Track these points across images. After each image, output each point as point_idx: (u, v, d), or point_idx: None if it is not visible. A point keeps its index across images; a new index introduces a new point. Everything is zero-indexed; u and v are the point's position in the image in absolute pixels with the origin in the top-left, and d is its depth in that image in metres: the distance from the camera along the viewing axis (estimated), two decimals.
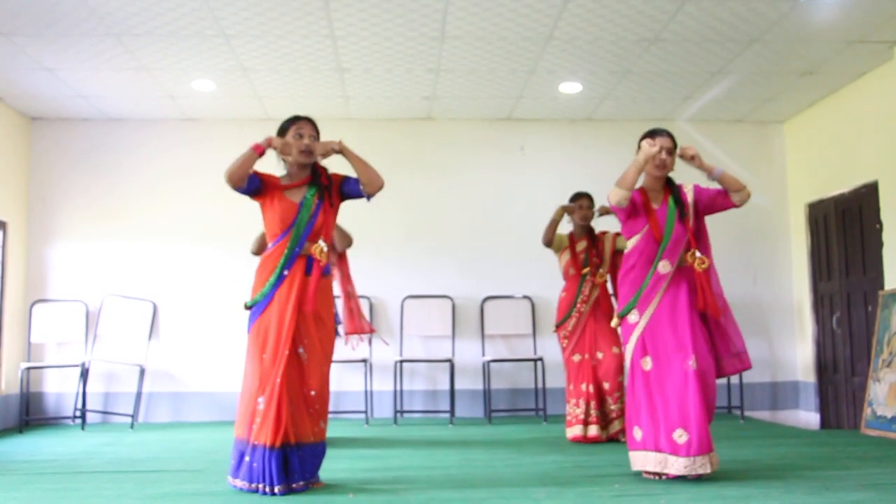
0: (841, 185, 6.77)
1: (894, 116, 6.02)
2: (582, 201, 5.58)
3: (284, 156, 3.80)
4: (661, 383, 3.81)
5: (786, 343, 7.56)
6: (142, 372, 6.95)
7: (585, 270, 5.48)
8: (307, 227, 3.73)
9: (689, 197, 4.01)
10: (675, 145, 3.99)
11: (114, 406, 7.07)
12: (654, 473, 3.84)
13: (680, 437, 3.72)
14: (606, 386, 5.39)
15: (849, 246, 6.73)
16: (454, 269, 7.42)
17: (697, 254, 3.89)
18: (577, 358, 5.46)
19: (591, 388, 5.36)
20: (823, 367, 7.13)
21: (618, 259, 5.53)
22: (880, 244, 6.21)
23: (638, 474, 4.01)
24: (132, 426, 6.70)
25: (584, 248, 5.56)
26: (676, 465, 3.73)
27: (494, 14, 5.23)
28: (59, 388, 7.08)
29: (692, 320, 3.86)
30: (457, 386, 7.13)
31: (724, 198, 3.96)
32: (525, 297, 7.39)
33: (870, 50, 5.86)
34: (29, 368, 6.79)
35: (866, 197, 6.41)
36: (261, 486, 3.56)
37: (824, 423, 7.07)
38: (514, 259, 7.40)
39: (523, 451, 5.08)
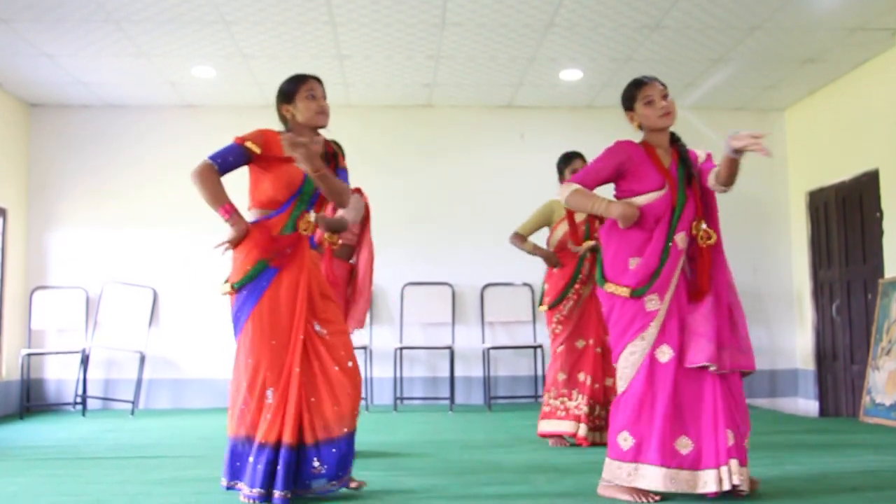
0: (842, 173, 6.76)
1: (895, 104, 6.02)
2: (576, 163, 4.83)
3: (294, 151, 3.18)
4: (675, 380, 3.13)
5: (785, 331, 7.57)
6: (142, 358, 6.96)
7: (590, 244, 4.64)
8: (314, 195, 3.32)
9: (701, 157, 3.35)
10: (665, 88, 3.35)
11: (114, 392, 7.09)
12: (638, 492, 3.12)
13: (685, 446, 3.10)
14: (610, 383, 4.63)
15: (849, 234, 6.73)
16: (454, 257, 7.42)
17: (703, 226, 3.23)
18: (580, 344, 4.74)
19: (597, 385, 4.64)
20: (823, 354, 7.14)
21: None
22: (880, 232, 6.21)
23: None
24: (132, 412, 6.72)
25: (583, 218, 4.70)
26: (677, 481, 3.07)
27: (495, 1, 5.21)
28: (59, 375, 7.09)
29: (715, 306, 3.22)
30: (457, 373, 7.15)
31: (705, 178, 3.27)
32: (525, 284, 7.38)
33: (871, 37, 5.84)
34: (29, 355, 6.80)
35: (867, 185, 6.41)
36: (262, 491, 3.04)
37: (823, 411, 7.08)
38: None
39: (523, 438, 5.09)
